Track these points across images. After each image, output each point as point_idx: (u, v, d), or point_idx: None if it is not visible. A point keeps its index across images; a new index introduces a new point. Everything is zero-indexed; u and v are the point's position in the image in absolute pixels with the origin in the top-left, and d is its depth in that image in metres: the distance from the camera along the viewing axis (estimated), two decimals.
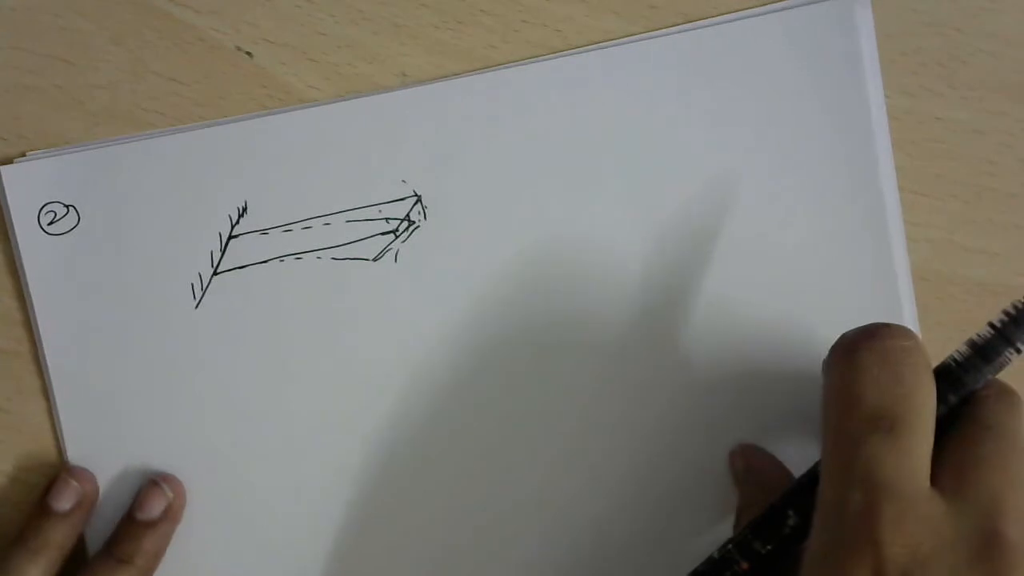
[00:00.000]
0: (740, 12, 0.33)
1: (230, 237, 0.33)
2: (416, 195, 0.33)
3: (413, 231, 0.33)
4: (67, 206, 0.33)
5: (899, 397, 0.25)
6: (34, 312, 0.33)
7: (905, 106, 0.33)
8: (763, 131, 0.33)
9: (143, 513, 0.32)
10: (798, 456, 0.31)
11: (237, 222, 0.33)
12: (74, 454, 0.33)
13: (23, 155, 0.33)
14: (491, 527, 0.33)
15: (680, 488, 0.33)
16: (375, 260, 0.33)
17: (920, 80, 0.33)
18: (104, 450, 0.33)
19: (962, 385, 0.27)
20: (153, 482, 0.33)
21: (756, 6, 0.33)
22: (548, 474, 0.33)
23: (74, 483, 0.32)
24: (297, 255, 0.33)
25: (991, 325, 0.27)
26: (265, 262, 0.33)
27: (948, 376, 0.27)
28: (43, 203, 0.33)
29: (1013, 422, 0.26)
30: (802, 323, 0.33)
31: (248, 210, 0.33)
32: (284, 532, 0.33)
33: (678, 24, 0.33)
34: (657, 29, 0.33)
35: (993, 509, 0.24)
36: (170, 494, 0.32)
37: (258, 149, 0.33)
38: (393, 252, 0.33)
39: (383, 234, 0.33)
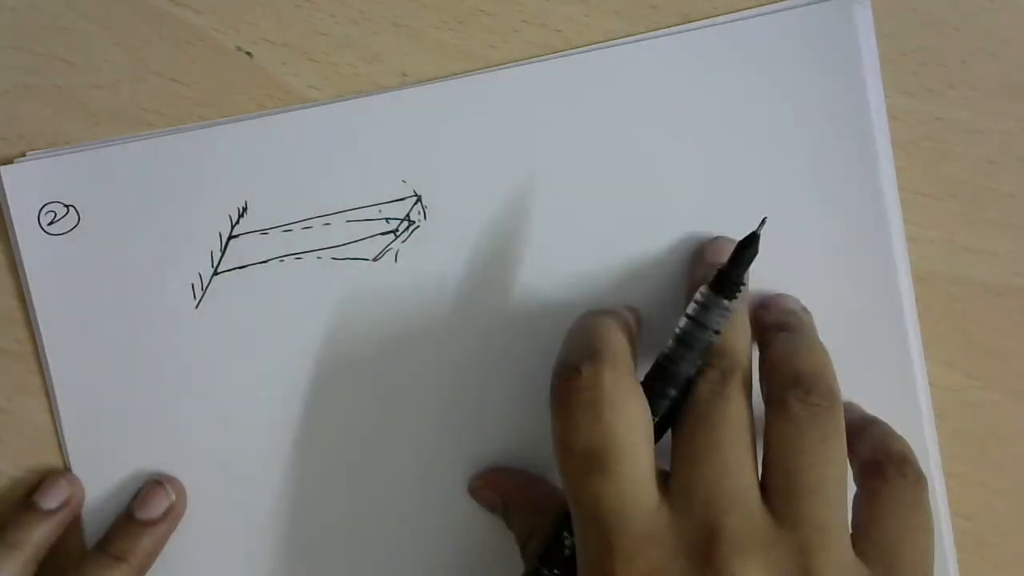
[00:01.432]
0: (740, 12, 0.33)
1: (230, 237, 0.33)
2: (416, 195, 0.33)
3: (413, 231, 0.33)
4: (67, 206, 0.33)
5: (601, 434, 0.25)
6: (34, 312, 0.33)
7: (905, 106, 0.33)
8: (763, 131, 0.33)
9: (144, 512, 0.32)
10: None
11: (237, 222, 0.33)
12: (74, 454, 0.33)
13: (23, 155, 0.33)
14: (495, 527, 0.33)
15: None
16: (375, 260, 0.33)
17: (920, 80, 0.33)
18: (104, 449, 0.33)
19: (676, 376, 0.27)
20: (156, 482, 0.33)
21: (756, 6, 0.33)
22: (551, 472, 0.33)
23: (63, 483, 0.32)
24: (297, 255, 0.33)
25: (687, 315, 0.28)
26: (265, 262, 0.33)
27: (662, 373, 0.28)
28: (43, 203, 0.33)
29: (718, 403, 0.26)
30: None
31: (248, 210, 0.33)
32: (284, 532, 0.33)
33: (679, 24, 0.33)
34: (658, 29, 0.33)
35: (710, 502, 0.25)
36: (172, 495, 0.32)
37: (258, 149, 0.33)
38: (393, 252, 0.33)
39: (383, 234, 0.33)
